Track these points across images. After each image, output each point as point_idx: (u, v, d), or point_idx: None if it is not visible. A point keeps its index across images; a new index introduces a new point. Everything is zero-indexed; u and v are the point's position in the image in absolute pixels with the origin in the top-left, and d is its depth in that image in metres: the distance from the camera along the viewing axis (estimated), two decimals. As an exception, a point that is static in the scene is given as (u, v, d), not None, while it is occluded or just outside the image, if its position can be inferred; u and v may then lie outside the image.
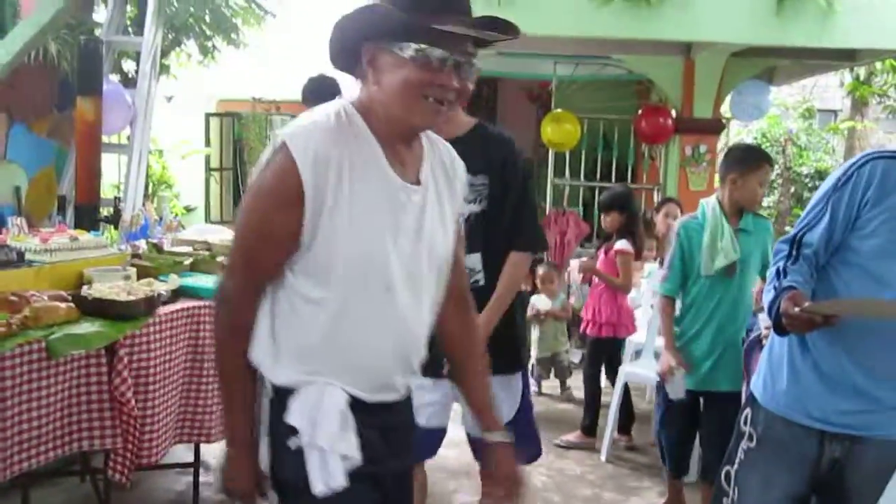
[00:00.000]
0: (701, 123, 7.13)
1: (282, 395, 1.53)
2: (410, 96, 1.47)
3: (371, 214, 1.50)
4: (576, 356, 6.10)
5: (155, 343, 2.94)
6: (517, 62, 7.73)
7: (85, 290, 2.94)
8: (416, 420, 1.79)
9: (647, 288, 5.28)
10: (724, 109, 7.63)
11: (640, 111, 7.51)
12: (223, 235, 4.25)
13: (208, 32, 7.62)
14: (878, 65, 11.15)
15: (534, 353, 5.56)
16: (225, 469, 1.61)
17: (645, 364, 4.57)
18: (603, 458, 4.57)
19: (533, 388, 5.51)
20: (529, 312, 5.46)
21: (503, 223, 2.51)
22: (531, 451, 2.76)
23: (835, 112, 16.80)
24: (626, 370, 4.63)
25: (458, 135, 2.34)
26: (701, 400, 3.45)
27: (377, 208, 1.51)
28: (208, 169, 11.30)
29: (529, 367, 5.53)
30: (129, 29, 6.75)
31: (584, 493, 4.10)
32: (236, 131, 11.41)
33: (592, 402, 4.80)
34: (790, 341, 2.11)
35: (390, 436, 1.63)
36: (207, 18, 7.47)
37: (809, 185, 13.87)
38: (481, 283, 2.50)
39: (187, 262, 3.69)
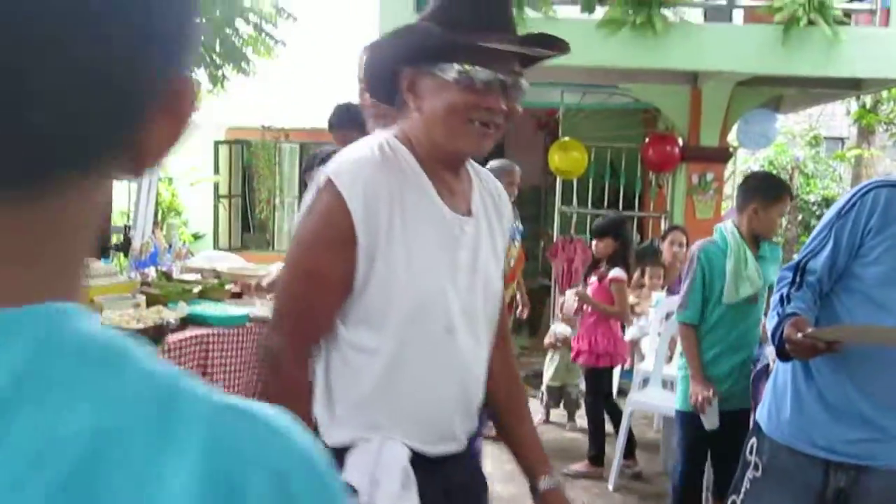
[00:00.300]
0: (708, 152, 7.13)
1: (338, 455, 1.39)
2: (455, 121, 1.36)
3: (427, 252, 1.40)
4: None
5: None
6: (525, 90, 7.77)
7: (94, 318, 2.96)
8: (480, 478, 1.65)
9: (654, 317, 5.26)
10: (731, 138, 7.64)
11: (647, 139, 7.52)
12: (231, 263, 4.29)
13: (218, 62, 7.69)
14: (885, 93, 11.17)
15: (545, 379, 5.54)
16: None
17: (652, 393, 4.55)
18: (611, 487, 4.53)
19: (541, 415, 5.51)
20: (548, 340, 5.46)
21: None
22: None
23: (842, 140, 16.79)
24: (634, 399, 4.61)
25: None
26: None
27: (433, 245, 1.41)
28: (217, 196, 11.41)
29: (539, 394, 5.57)
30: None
31: (591, 523, 4.07)
32: (245, 159, 11.53)
33: (596, 432, 4.76)
34: (794, 370, 2.11)
35: (453, 496, 1.50)
36: (218, 48, 7.53)
37: (817, 212, 13.82)
38: None
39: (196, 289, 3.72)
